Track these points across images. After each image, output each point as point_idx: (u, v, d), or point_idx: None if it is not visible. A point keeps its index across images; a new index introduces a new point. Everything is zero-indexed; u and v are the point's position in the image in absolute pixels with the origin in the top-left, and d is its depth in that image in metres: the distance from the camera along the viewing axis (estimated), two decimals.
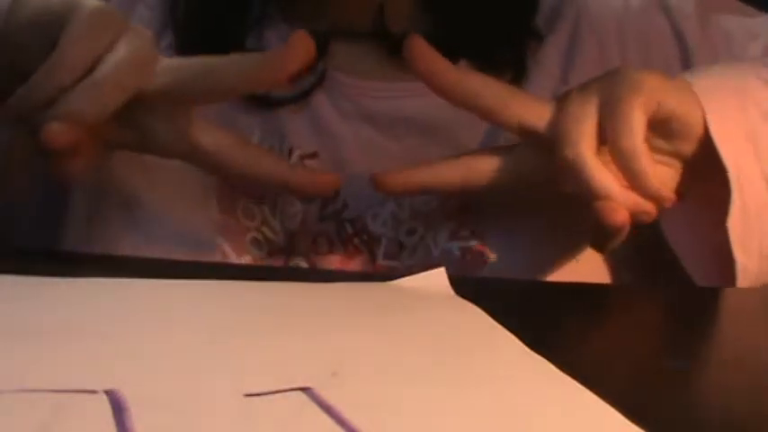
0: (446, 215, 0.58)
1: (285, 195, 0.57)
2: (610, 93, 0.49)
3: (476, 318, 0.40)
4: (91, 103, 0.45)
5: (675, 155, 0.51)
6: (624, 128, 0.48)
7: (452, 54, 0.58)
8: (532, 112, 0.50)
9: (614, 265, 0.60)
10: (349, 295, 0.45)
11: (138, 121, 0.48)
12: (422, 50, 0.48)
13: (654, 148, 0.50)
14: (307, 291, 0.45)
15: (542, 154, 0.51)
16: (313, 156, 0.58)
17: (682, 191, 0.52)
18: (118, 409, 0.26)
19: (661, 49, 0.61)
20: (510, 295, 0.50)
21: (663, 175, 0.51)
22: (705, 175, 0.51)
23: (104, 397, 0.27)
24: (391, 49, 0.57)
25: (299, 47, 0.46)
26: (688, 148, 0.51)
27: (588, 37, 0.60)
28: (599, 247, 0.51)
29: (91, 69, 0.45)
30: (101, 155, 0.49)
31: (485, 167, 0.52)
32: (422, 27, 0.58)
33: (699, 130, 0.50)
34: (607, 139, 0.48)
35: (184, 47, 0.58)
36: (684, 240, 0.54)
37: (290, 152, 0.58)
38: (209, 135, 0.50)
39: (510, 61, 0.58)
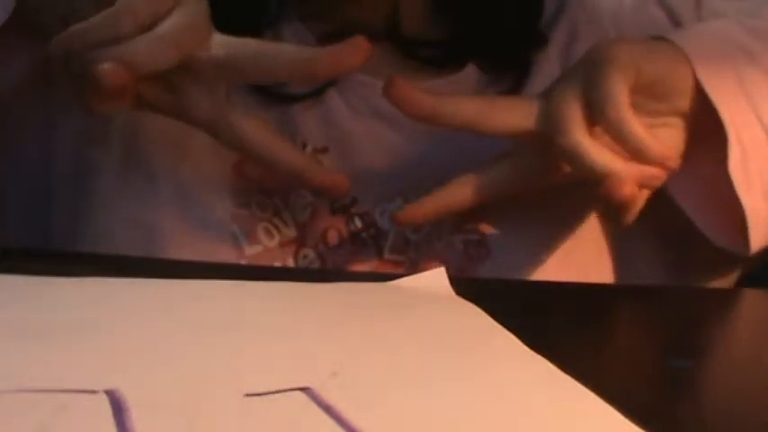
0: None
1: (297, 188, 0.58)
2: (588, 72, 0.50)
3: (476, 318, 0.40)
4: (148, 54, 0.46)
5: (674, 113, 0.52)
6: (607, 100, 0.49)
7: (461, 57, 0.59)
8: (518, 113, 0.52)
9: (619, 253, 0.60)
10: (349, 295, 0.45)
11: (178, 86, 0.50)
12: (400, 88, 0.50)
13: (651, 112, 0.51)
14: (307, 291, 0.45)
15: (541, 150, 0.52)
16: (324, 151, 0.59)
17: (687, 147, 0.53)
18: (118, 409, 0.26)
19: None
20: (510, 295, 0.50)
21: (666, 136, 0.52)
22: (703, 127, 0.52)
23: (104, 397, 0.27)
24: (404, 49, 0.58)
25: (358, 48, 0.48)
26: (684, 103, 0.52)
27: (586, 36, 0.61)
28: (616, 222, 0.52)
29: (150, 27, 0.47)
30: (134, 107, 0.50)
31: (488, 181, 0.54)
32: (433, 29, 0.59)
33: (689, 84, 0.51)
34: (595, 116, 0.50)
35: None
36: (693, 198, 0.55)
37: (303, 147, 0.59)
38: (241, 114, 0.52)
39: (515, 64, 0.59)
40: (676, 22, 0.62)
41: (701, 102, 0.52)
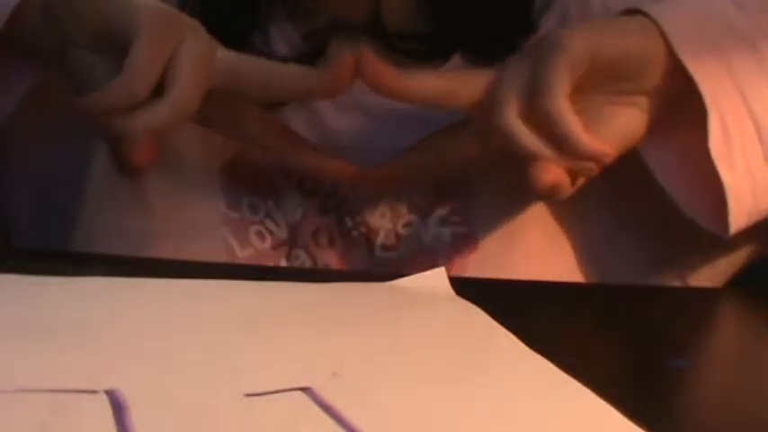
0: (438, 201, 0.58)
1: (289, 190, 0.58)
2: (537, 57, 0.49)
3: (476, 318, 0.40)
4: (174, 115, 0.48)
5: (641, 92, 0.51)
6: (545, 90, 0.48)
7: (448, 48, 0.58)
8: (475, 87, 0.51)
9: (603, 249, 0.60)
10: (349, 295, 0.45)
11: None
12: (367, 61, 0.50)
13: (615, 92, 0.50)
14: (307, 291, 0.45)
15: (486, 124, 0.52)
16: None
17: (654, 124, 0.52)
18: (118, 409, 0.26)
19: None
20: (510, 295, 0.50)
21: (625, 119, 0.51)
22: (685, 102, 0.51)
23: (104, 397, 0.27)
24: (387, 44, 0.58)
25: (346, 65, 0.49)
26: (653, 81, 0.51)
27: (576, 24, 0.59)
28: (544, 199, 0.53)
29: (162, 80, 0.48)
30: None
31: (441, 148, 0.54)
32: (418, 22, 0.58)
33: (660, 61, 0.50)
34: (533, 104, 0.49)
35: None
36: (674, 174, 0.54)
37: None
38: (258, 124, 0.54)
39: (503, 54, 0.58)
40: None
41: (680, 77, 0.50)
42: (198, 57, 0.49)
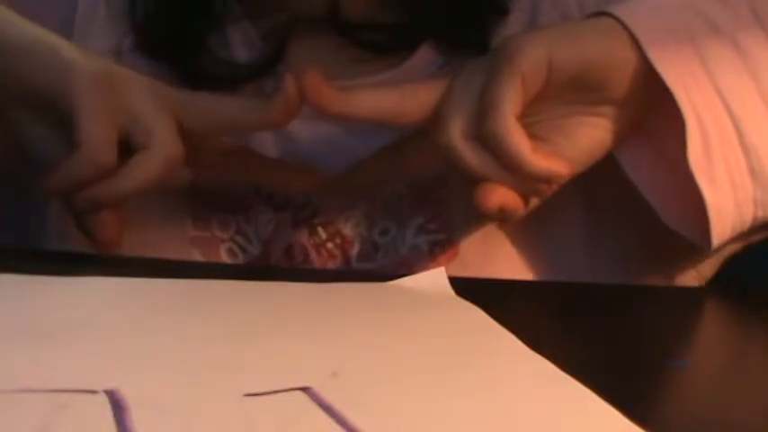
0: (414, 209, 0.56)
1: (259, 205, 0.57)
2: (489, 69, 0.47)
3: (476, 318, 0.40)
4: (167, 163, 0.48)
5: (607, 102, 0.48)
6: (491, 108, 0.46)
7: (415, 38, 0.55)
8: (426, 103, 0.49)
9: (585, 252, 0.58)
10: (349, 295, 0.45)
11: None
12: (310, 85, 0.48)
13: (578, 102, 0.48)
14: (306, 291, 0.45)
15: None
16: None
17: (629, 130, 0.49)
18: (118, 409, 0.26)
19: None
20: (510, 295, 0.50)
21: (588, 133, 0.49)
22: (662, 108, 0.48)
23: (104, 397, 0.27)
24: (351, 38, 0.55)
25: (292, 96, 0.48)
26: (620, 91, 0.48)
27: (549, 9, 0.56)
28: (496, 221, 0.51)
29: (123, 137, 0.48)
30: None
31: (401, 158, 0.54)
32: (380, 13, 0.55)
33: (629, 68, 0.47)
34: (480, 122, 0.47)
35: (146, 48, 0.57)
36: (653, 181, 0.51)
37: None
38: (217, 153, 0.53)
39: (474, 40, 0.55)
40: None
41: (654, 80, 0.47)
42: (157, 100, 0.48)
